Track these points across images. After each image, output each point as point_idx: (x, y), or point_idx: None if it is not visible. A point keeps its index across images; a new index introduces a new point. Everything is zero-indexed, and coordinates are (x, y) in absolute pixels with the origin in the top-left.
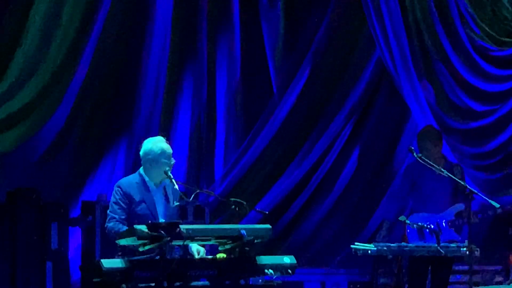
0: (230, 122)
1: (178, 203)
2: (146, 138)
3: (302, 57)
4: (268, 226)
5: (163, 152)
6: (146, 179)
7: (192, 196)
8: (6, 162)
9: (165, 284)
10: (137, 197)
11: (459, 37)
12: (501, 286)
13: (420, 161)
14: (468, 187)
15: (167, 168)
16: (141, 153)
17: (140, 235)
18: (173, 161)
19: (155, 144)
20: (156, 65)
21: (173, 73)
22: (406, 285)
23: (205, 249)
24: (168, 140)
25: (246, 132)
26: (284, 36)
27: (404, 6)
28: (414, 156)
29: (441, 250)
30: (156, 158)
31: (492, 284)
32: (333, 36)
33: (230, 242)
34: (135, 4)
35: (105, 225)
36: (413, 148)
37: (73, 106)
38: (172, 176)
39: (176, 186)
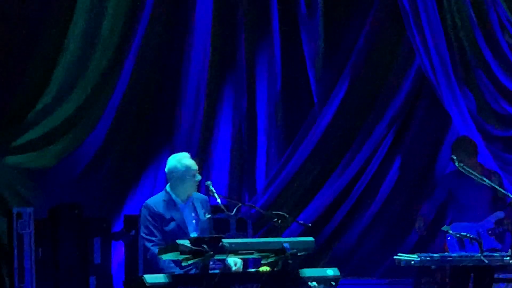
0: (271, 134)
1: (209, 215)
2: (187, 151)
3: (342, 67)
4: (311, 238)
5: (188, 170)
6: (173, 196)
7: (235, 210)
8: (48, 178)
9: None
10: (166, 215)
11: (498, 45)
12: None
13: (462, 170)
14: (510, 194)
15: (193, 186)
16: (166, 170)
17: (183, 250)
18: (198, 177)
19: (180, 161)
20: (196, 78)
21: (213, 85)
22: None
23: (248, 262)
24: (209, 152)
25: (287, 143)
26: (324, 47)
27: (443, 14)
28: (456, 165)
29: (484, 259)
30: (181, 175)
31: None
32: (372, 46)
33: (273, 255)
34: (174, 17)
35: (146, 249)
36: (455, 157)
37: (113, 121)
38: (214, 190)
39: (219, 200)
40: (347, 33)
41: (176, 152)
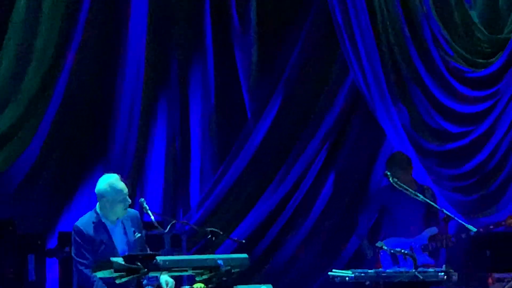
0: (205, 149)
1: (139, 235)
2: (122, 166)
3: (276, 82)
4: (245, 255)
5: (118, 194)
6: (102, 218)
7: (168, 227)
8: None
9: None
10: (96, 238)
11: (432, 59)
12: None
13: (396, 185)
14: (444, 210)
15: (123, 209)
16: (96, 191)
17: (116, 268)
18: (128, 201)
19: (110, 185)
20: (130, 94)
21: (147, 101)
22: None
23: (182, 279)
24: (143, 168)
25: (221, 159)
26: (257, 62)
27: (377, 30)
28: (390, 181)
29: (418, 275)
30: (111, 199)
31: None
32: (306, 61)
33: (207, 272)
34: (108, 34)
35: (78, 270)
36: (389, 173)
37: (47, 137)
38: (147, 207)
39: (152, 217)
40: (281, 49)
41: (110, 169)
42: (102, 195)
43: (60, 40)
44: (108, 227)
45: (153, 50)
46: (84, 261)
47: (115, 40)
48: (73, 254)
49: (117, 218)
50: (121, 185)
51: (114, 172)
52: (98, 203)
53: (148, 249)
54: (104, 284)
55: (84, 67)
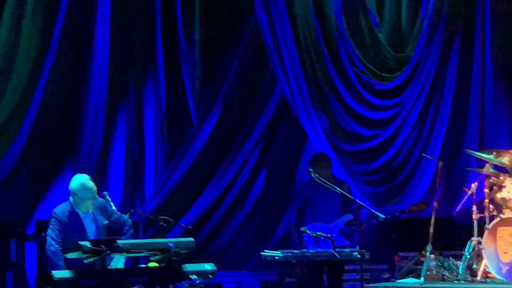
0: (158, 150)
1: (107, 222)
2: (88, 164)
3: (217, 93)
4: (191, 239)
5: (88, 192)
6: (76, 209)
7: (127, 215)
8: None
9: None
10: (69, 224)
11: (347, 74)
12: (388, 283)
13: (318, 181)
14: (357, 200)
15: (92, 203)
16: (69, 188)
17: (84, 250)
18: (96, 198)
19: (82, 185)
20: (96, 103)
21: (110, 109)
22: (308, 284)
23: (139, 259)
24: (106, 166)
25: (171, 158)
26: (201, 76)
27: (301, 50)
28: (312, 176)
29: (336, 254)
30: (82, 197)
31: (380, 281)
32: (242, 76)
33: (159, 253)
34: (78, 53)
35: (49, 244)
36: (311, 170)
37: (26, 140)
38: (110, 199)
39: (114, 207)
40: (221, 65)
41: (79, 167)
42: (75, 193)
43: (36, 56)
44: (81, 216)
45: (114, 67)
46: (56, 239)
47: (83, 59)
48: (48, 232)
49: (88, 210)
50: (91, 184)
51: (82, 170)
52: (71, 197)
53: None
54: (61, 258)
55: (57, 81)
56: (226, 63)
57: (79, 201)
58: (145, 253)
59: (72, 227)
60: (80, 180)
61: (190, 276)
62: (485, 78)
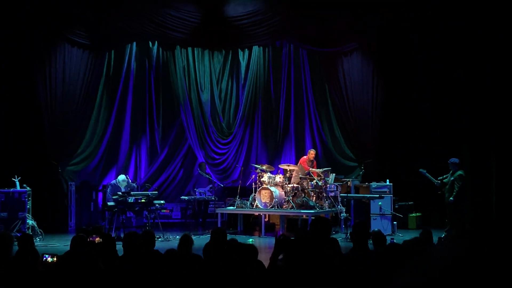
0: (148, 154)
1: (128, 188)
2: (123, 166)
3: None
4: (156, 192)
5: (123, 181)
6: (117, 184)
7: (135, 184)
8: None
9: None
10: (115, 187)
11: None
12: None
13: (201, 173)
14: (215, 180)
15: (124, 182)
16: (117, 178)
17: (120, 194)
18: (126, 181)
19: (121, 177)
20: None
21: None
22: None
23: None
24: (129, 165)
25: (152, 160)
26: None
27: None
28: (199, 171)
29: (207, 199)
30: (120, 181)
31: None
32: None
33: (145, 197)
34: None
35: (108, 194)
36: (199, 169)
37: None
38: (130, 179)
39: (131, 183)
40: None
41: (119, 169)
42: (118, 180)
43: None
44: (119, 185)
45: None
46: (109, 192)
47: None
48: (107, 190)
49: (122, 184)
50: (123, 177)
51: (121, 170)
52: (116, 179)
53: None
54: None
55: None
56: None
57: (120, 181)
58: (140, 197)
59: (117, 188)
60: (121, 177)
61: (156, 204)
62: None
